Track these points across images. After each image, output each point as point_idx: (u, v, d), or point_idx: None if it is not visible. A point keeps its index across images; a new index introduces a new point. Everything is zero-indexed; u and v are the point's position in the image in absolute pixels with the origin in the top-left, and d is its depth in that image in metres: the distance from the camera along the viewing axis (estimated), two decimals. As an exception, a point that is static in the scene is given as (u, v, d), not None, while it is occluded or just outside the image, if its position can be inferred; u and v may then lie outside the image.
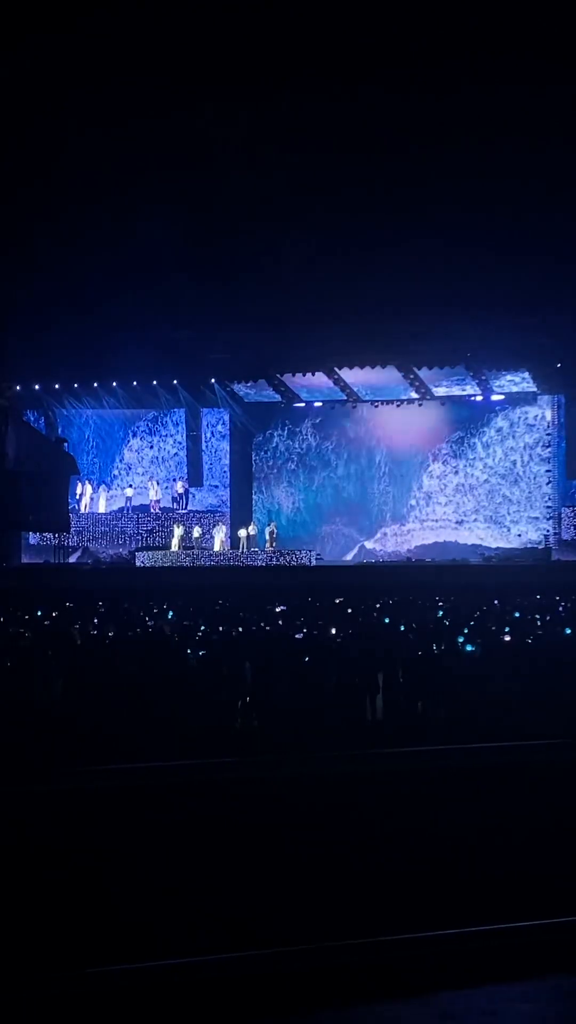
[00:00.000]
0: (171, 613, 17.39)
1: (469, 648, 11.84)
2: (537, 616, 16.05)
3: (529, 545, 34.62)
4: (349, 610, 18.03)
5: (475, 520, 35.95)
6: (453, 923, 4.88)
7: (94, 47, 25.81)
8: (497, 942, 4.53)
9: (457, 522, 36.15)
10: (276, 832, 6.52)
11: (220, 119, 27.70)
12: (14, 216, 29.24)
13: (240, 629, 14.29)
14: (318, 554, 35.34)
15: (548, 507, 35.11)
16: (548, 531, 34.94)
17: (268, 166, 28.67)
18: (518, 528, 35.46)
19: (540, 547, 34.20)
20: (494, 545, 35.13)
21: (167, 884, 5.82)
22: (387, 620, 15.97)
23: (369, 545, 36.72)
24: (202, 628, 14.32)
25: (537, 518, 35.28)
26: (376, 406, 36.91)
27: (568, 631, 13.62)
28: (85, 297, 31.60)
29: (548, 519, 35.07)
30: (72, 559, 36.45)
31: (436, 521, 36.34)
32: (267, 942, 4.65)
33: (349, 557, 36.71)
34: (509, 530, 35.57)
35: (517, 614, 16.77)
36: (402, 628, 14.23)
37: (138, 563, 34.87)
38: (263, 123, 27.75)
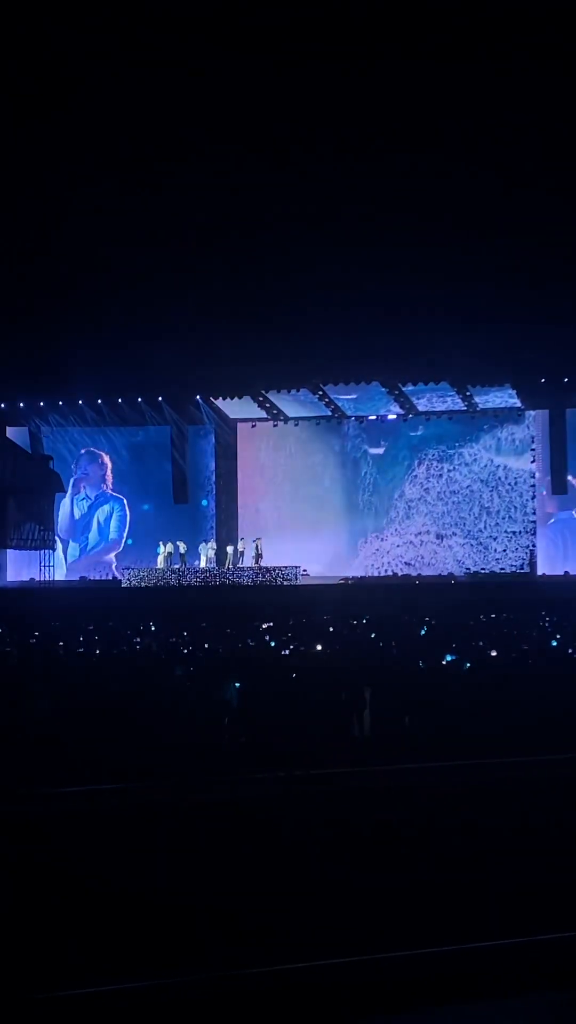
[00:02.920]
0: (155, 630, 17.37)
1: (450, 658, 11.87)
2: (518, 631, 16.10)
3: (512, 569, 34.86)
4: (332, 628, 18.04)
5: (454, 535, 36.06)
6: (445, 940, 4.87)
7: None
8: (490, 959, 4.52)
9: (437, 536, 36.27)
10: (266, 849, 6.50)
11: (209, 139, 27.80)
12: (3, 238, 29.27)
13: (226, 646, 14.28)
14: (304, 570, 35.38)
15: (532, 522, 35.26)
16: (532, 546, 35.09)
17: (257, 184, 28.76)
18: (499, 544, 35.59)
19: (526, 570, 34.47)
20: (475, 568, 35.29)
21: (156, 903, 5.80)
22: (373, 636, 15.99)
23: (351, 569, 36.77)
24: (188, 646, 14.31)
25: (517, 532, 35.42)
26: (361, 422, 37.08)
27: (554, 643, 13.67)
28: (71, 315, 31.60)
29: (532, 534, 35.21)
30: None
31: (417, 535, 36.44)
32: (256, 961, 4.65)
33: (336, 573, 36.76)
34: (487, 547, 35.69)
35: (503, 628, 16.81)
36: (392, 644, 14.25)
37: (123, 582, 34.86)
38: (251, 143, 27.86)
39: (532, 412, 35.24)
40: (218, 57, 25.45)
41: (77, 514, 38.55)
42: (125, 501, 38.42)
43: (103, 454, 38.66)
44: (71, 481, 38.17)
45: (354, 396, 35.90)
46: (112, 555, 37.83)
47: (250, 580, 33.66)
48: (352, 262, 29.79)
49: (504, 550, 35.49)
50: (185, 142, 27.73)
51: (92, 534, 38.50)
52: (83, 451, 38.49)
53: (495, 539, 35.65)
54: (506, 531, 35.56)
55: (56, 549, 36.47)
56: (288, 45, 25.15)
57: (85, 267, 30.24)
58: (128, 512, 38.40)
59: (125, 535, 38.20)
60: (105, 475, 38.69)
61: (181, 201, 29.37)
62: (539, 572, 34.40)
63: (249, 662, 12.28)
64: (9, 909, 5.70)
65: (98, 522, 38.51)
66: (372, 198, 28.83)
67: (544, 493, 35.23)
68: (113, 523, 38.37)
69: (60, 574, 37.36)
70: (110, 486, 38.71)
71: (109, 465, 38.65)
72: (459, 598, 25.62)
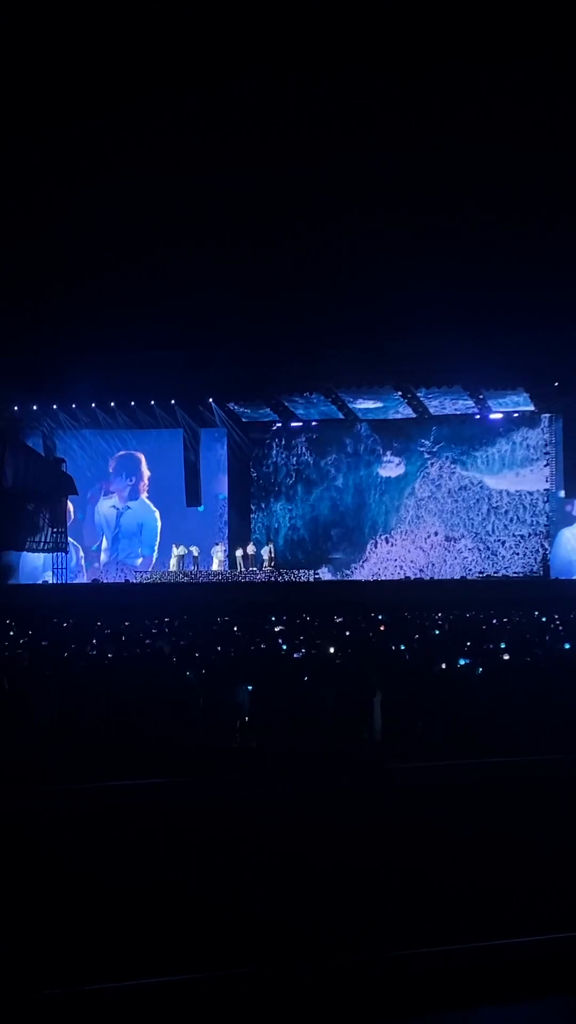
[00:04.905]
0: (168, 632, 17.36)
1: (463, 662, 11.84)
2: (533, 635, 16.05)
3: (525, 572, 34.81)
4: (345, 632, 18.01)
5: (463, 537, 36.01)
6: (452, 940, 4.85)
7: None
8: (495, 959, 4.50)
9: (447, 538, 36.23)
10: (273, 849, 6.50)
11: (220, 133, 27.79)
12: (10, 236, 29.30)
13: (238, 649, 14.28)
14: (315, 573, 35.39)
15: (545, 526, 35.17)
16: (545, 549, 35.01)
17: (266, 185, 28.77)
18: (507, 549, 35.52)
19: (539, 573, 34.44)
20: (488, 572, 35.23)
21: (164, 901, 5.81)
22: (385, 639, 15.95)
23: (363, 572, 36.73)
24: (200, 647, 14.30)
25: (526, 536, 35.35)
26: (374, 426, 37.06)
27: (567, 646, 13.62)
28: (83, 318, 31.66)
29: (545, 537, 35.13)
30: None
31: (427, 539, 36.40)
32: (261, 960, 4.64)
33: (347, 576, 36.74)
34: (498, 551, 35.62)
35: (517, 632, 16.76)
36: (402, 647, 14.21)
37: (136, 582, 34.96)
38: (263, 142, 27.87)
39: (546, 415, 35.16)
40: (224, 50, 25.42)
41: (104, 516, 38.48)
42: (158, 513, 38.31)
43: (142, 459, 38.52)
44: (100, 485, 38.11)
45: (369, 404, 35.89)
46: (148, 566, 37.71)
47: (262, 583, 33.65)
48: (365, 266, 29.77)
49: (516, 554, 35.42)
50: (195, 142, 27.72)
51: (123, 543, 38.46)
52: (120, 453, 38.40)
53: (504, 543, 35.59)
54: (514, 534, 35.49)
55: (69, 552, 36.50)
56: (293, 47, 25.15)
57: (97, 270, 30.27)
58: (160, 524, 38.30)
59: (156, 547, 38.14)
60: (140, 482, 38.57)
61: (194, 204, 29.39)
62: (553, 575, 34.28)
63: (261, 664, 12.27)
64: (14, 905, 5.71)
65: (130, 531, 38.42)
66: (386, 201, 28.80)
67: (562, 495, 35.10)
68: (145, 537, 38.29)
69: (76, 576, 37.39)
70: (146, 493, 38.60)
71: (147, 473, 38.48)
72: (471, 601, 25.54)
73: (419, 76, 25.81)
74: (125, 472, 38.51)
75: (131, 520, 38.51)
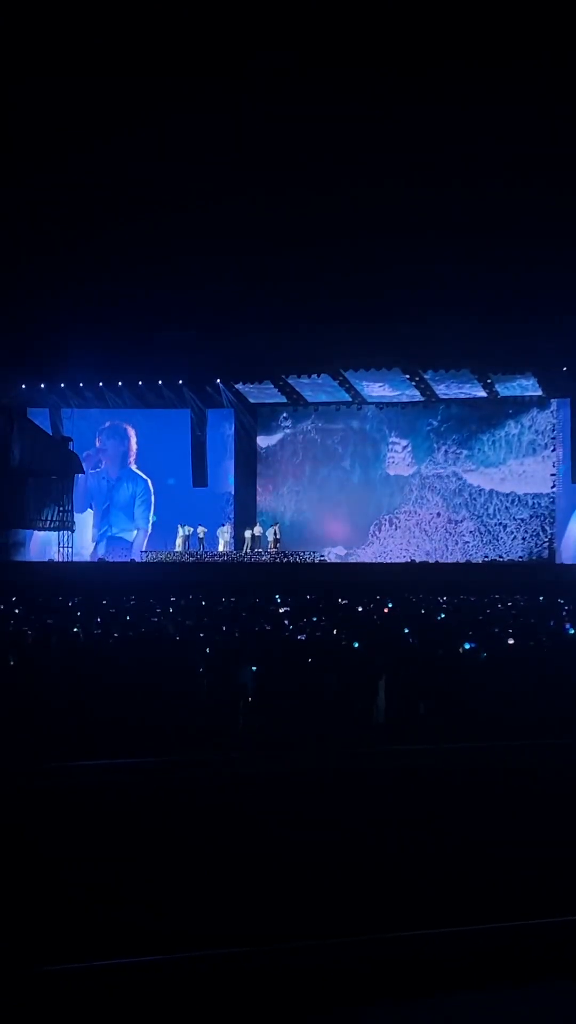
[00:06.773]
0: (173, 611, 17.39)
1: (468, 646, 11.84)
2: (536, 620, 16.05)
3: (531, 556, 34.82)
4: (348, 613, 18.01)
5: (464, 520, 35.98)
6: (452, 923, 4.86)
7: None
8: (496, 942, 4.51)
9: (449, 520, 36.23)
10: (274, 829, 6.52)
11: (227, 115, 27.63)
12: (20, 218, 29.21)
13: (242, 630, 14.29)
14: (321, 555, 35.41)
15: (551, 510, 35.14)
16: (551, 534, 34.99)
17: (274, 166, 28.64)
18: (509, 533, 35.51)
19: (545, 556, 34.47)
20: (493, 556, 35.24)
21: (164, 879, 5.83)
22: (390, 621, 15.96)
23: (368, 554, 36.74)
24: (204, 628, 14.33)
25: (527, 519, 35.31)
26: (381, 408, 37.00)
27: (572, 631, 13.62)
28: (92, 298, 31.60)
29: (551, 522, 35.10)
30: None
31: (430, 521, 36.41)
32: (262, 939, 4.65)
33: (352, 558, 36.76)
34: (498, 537, 35.60)
35: (520, 616, 16.75)
36: (406, 631, 14.21)
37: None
38: (270, 121, 27.71)
39: (554, 400, 35.09)
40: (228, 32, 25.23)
41: (92, 487, 38.39)
42: (149, 481, 38.35)
43: (129, 428, 38.47)
44: (85, 455, 37.95)
45: (376, 386, 35.80)
46: (143, 540, 37.78)
47: (267, 564, 33.70)
48: (373, 247, 29.65)
49: (516, 538, 35.42)
50: (200, 123, 27.55)
51: (116, 517, 38.48)
52: (107, 424, 38.34)
53: (505, 526, 35.59)
54: (515, 517, 35.48)
55: (75, 530, 36.54)
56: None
57: (106, 250, 30.19)
58: (153, 493, 38.32)
59: (151, 518, 38.18)
60: (128, 452, 38.53)
61: (202, 184, 29.25)
62: (559, 560, 34.29)
63: (265, 646, 12.27)
64: (14, 882, 5.74)
65: (122, 505, 38.43)
66: (395, 184, 28.65)
67: (564, 481, 35.06)
68: (138, 509, 38.28)
69: (80, 552, 37.43)
70: (134, 463, 38.58)
71: (134, 442, 38.43)
72: (477, 582, 25.53)
73: (418, 74, 25.66)
74: (113, 440, 38.41)
75: (123, 492, 38.45)
